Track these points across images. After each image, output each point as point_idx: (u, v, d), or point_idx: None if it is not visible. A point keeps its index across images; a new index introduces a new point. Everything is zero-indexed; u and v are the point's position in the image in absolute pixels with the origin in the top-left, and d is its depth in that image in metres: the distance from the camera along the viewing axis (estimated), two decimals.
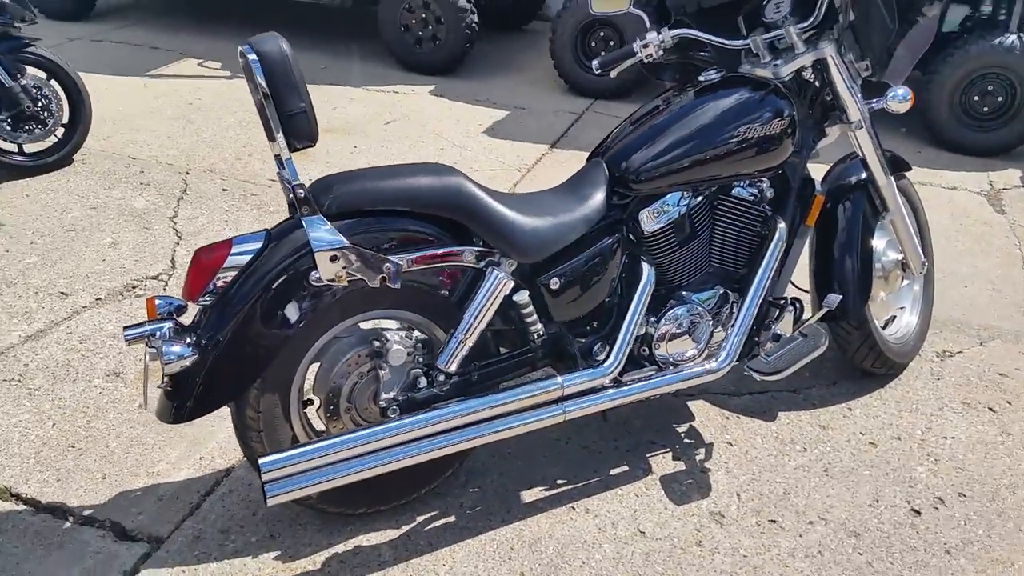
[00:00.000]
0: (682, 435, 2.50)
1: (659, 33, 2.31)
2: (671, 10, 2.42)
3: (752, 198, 2.29)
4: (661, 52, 2.35)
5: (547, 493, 2.28)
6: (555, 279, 2.06)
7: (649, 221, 2.18)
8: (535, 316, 2.07)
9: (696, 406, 2.62)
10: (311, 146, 1.82)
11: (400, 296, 1.98)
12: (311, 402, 2.06)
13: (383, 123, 4.79)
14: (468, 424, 2.00)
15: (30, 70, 3.90)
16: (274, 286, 1.83)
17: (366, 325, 2.07)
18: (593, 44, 5.21)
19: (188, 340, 1.82)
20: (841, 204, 2.51)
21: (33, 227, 3.52)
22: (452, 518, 2.19)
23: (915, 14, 2.24)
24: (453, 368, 2.02)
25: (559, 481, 2.32)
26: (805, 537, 2.17)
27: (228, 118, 4.76)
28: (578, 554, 2.10)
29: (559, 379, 2.06)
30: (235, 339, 1.82)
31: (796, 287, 2.61)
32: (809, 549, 2.13)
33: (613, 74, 2.45)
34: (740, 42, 2.27)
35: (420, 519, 2.18)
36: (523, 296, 2.03)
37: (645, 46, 2.32)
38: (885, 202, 2.52)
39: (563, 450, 2.43)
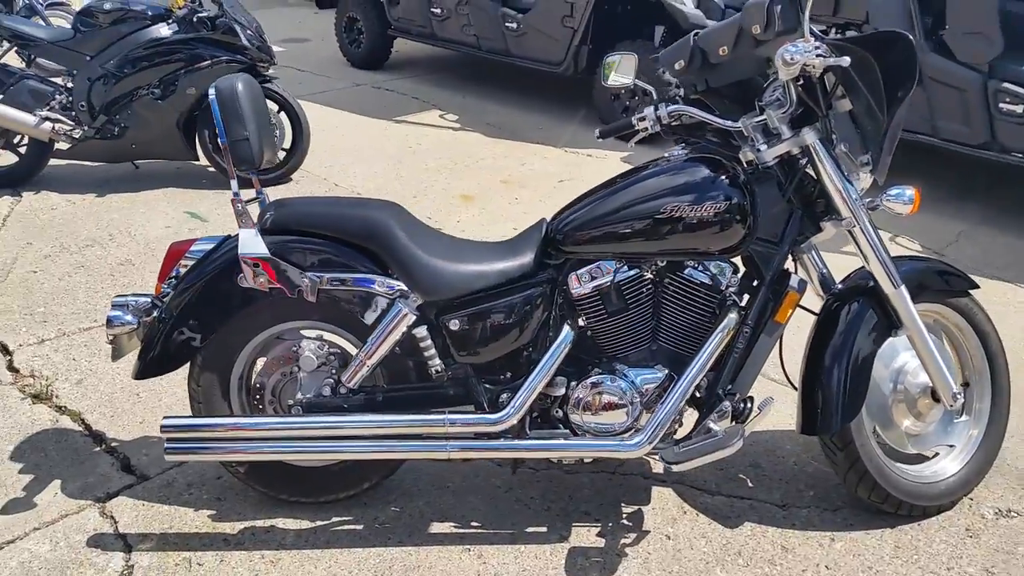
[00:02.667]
0: (623, 515, 2.40)
1: (656, 108, 2.32)
2: (683, 88, 2.41)
3: (705, 282, 2.18)
4: (658, 127, 2.34)
5: (455, 530, 2.35)
6: (455, 321, 2.16)
7: (576, 284, 2.19)
8: (434, 352, 2.18)
9: (661, 492, 2.49)
10: (254, 169, 2.15)
11: (326, 311, 2.23)
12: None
13: (557, 181, 5.04)
14: (352, 437, 2.17)
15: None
16: (208, 282, 2.18)
17: (329, 336, 2.34)
18: None
19: (151, 315, 2.24)
20: (846, 307, 2.26)
21: (225, 226, 4.32)
22: (360, 527, 2.35)
23: (898, 99, 2.00)
24: (354, 385, 2.22)
25: (474, 523, 2.37)
26: None
27: (431, 163, 5.34)
28: None
29: (446, 416, 2.15)
30: (177, 319, 2.20)
31: (794, 387, 2.38)
32: None
33: (630, 144, 2.50)
34: (731, 123, 2.20)
35: (334, 519, 2.38)
36: (421, 331, 2.16)
37: (642, 119, 2.33)
38: (898, 315, 2.22)
39: (497, 497, 2.47)
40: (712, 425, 2.18)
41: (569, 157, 5.48)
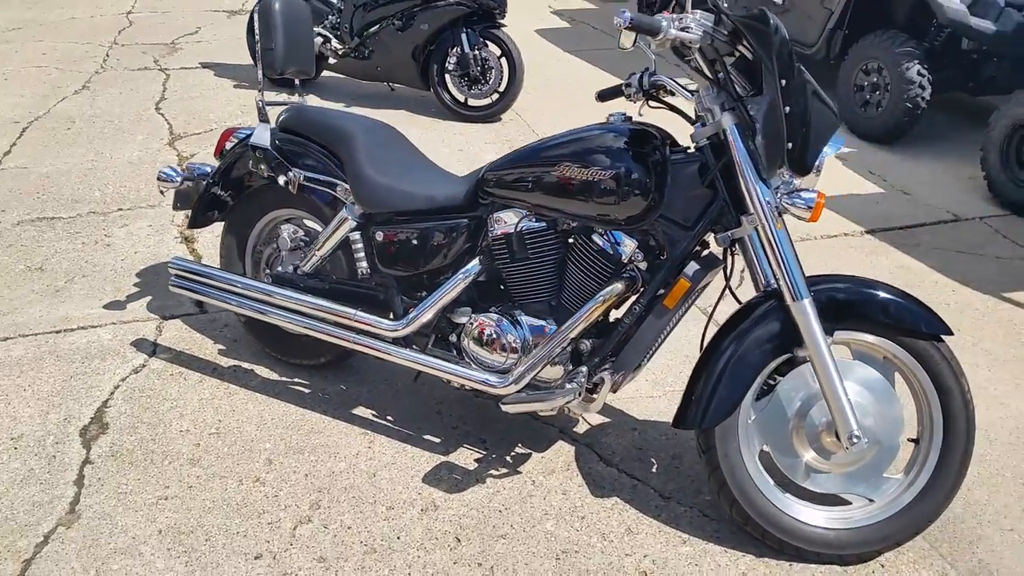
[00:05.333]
0: (511, 453, 2.52)
1: (640, 77, 2.34)
2: (676, 55, 2.39)
3: (605, 249, 2.19)
4: (640, 94, 2.35)
5: (372, 418, 2.67)
6: (380, 233, 2.43)
7: (492, 225, 2.33)
8: (363, 257, 2.49)
9: (562, 447, 2.55)
10: (277, 76, 2.60)
11: (309, 204, 2.65)
12: None
13: None
14: (288, 309, 2.57)
15: (491, 46, 5.24)
16: (235, 161, 2.71)
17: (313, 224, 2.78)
18: None
19: (202, 179, 2.84)
20: (760, 308, 2.12)
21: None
22: (307, 391, 2.78)
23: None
24: (307, 270, 2.62)
25: (389, 417, 2.67)
26: None
27: None
28: (321, 458, 2.50)
29: (356, 312, 2.46)
30: (213, 186, 2.77)
31: None
32: None
33: (639, 111, 2.51)
34: (690, 97, 2.18)
35: (295, 380, 2.83)
36: (355, 236, 2.48)
37: (628, 85, 2.37)
38: (799, 331, 2.04)
39: (425, 406, 2.72)
40: (566, 384, 2.22)
41: None
